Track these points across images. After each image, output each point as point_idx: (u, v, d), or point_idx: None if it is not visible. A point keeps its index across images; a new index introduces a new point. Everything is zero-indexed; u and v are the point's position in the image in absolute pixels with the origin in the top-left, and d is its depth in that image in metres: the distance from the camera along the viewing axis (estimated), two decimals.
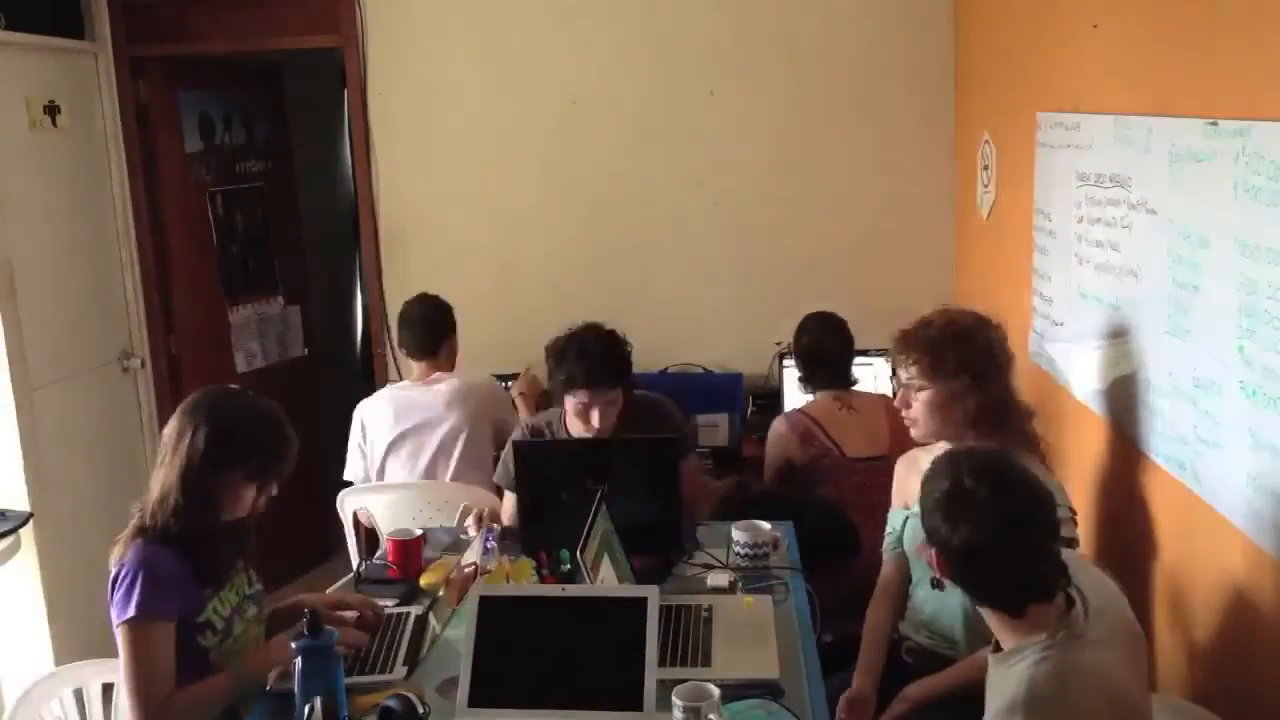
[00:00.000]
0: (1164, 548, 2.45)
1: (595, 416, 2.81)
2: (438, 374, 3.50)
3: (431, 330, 3.51)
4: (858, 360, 3.47)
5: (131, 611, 2.05)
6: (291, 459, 2.22)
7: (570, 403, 2.85)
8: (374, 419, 3.45)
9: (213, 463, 2.12)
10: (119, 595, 2.08)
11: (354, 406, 3.55)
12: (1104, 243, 2.72)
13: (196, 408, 2.17)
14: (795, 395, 3.64)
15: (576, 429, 2.88)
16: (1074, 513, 2.34)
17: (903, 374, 2.45)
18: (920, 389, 2.41)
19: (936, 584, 2.36)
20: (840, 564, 2.85)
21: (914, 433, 2.47)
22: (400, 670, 2.17)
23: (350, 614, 2.30)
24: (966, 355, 2.38)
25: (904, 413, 2.47)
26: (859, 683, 2.38)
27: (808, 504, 3.03)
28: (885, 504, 2.66)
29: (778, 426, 3.30)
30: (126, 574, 2.08)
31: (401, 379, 3.99)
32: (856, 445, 3.16)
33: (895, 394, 2.54)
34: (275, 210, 4.98)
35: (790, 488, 3.21)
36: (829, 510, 3.02)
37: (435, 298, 3.58)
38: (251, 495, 2.20)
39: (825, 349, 3.35)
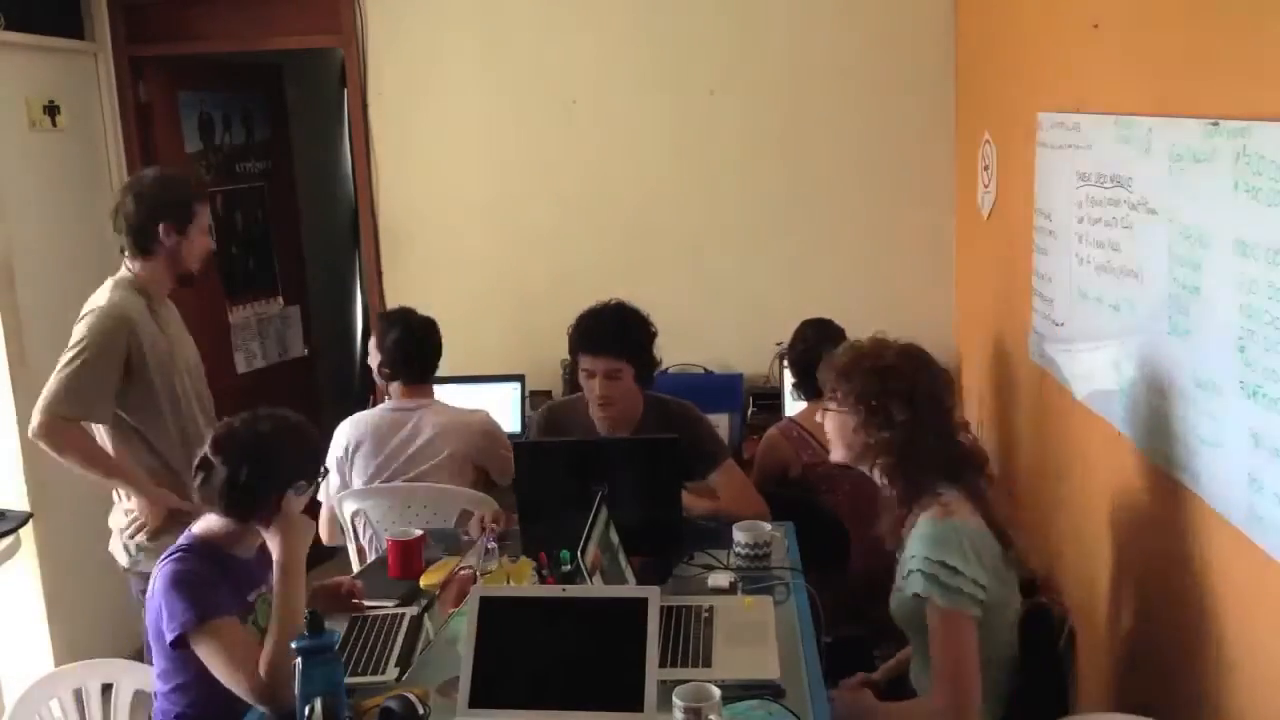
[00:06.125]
0: (1163, 547, 2.45)
1: (597, 385, 2.84)
2: (423, 400, 3.25)
3: (426, 357, 3.25)
4: None
5: (179, 630, 2.06)
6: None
7: (581, 375, 2.92)
8: (355, 440, 3.27)
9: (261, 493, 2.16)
10: (164, 622, 2.09)
11: (354, 407, 3.53)
12: (1104, 243, 2.71)
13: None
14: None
15: (593, 410, 2.91)
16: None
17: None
18: (827, 411, 2.35)
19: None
20: (832, 567, 2.85)
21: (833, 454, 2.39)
22: (392, 671, 2.17)
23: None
24: (876, 388, 2.26)
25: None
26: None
27: (800, 507, 3.03)
28: (877, 510, 2.64)
29: (771, 436, 3.31)
30: (158, 601, 2.10)
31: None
32: None
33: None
34: (275, 210, 4.99)
35: (786, 492, 3.20)
36: (820, 514, 3.02)
37: (425, 318, 3.27)
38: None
39: (821, 357, 3.34)
